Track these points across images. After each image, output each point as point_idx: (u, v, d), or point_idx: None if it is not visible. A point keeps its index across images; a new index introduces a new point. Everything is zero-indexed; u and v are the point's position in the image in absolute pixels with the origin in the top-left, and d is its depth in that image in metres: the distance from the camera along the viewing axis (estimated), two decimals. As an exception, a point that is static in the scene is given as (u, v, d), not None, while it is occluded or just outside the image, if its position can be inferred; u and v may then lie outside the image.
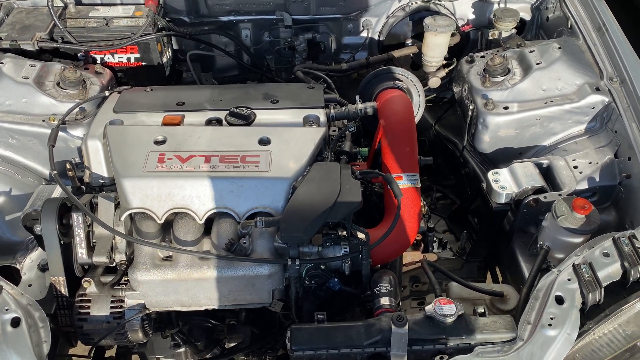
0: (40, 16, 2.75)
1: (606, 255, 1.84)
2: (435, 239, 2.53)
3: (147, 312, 2.00)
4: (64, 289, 1.98)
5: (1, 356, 1.66)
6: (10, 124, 2.35)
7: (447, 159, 2.90)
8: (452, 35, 2.77)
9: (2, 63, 2.45)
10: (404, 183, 2.10)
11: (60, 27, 2.63)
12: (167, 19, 2.89)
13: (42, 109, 2.38)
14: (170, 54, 2.91)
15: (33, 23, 2.71)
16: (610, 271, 1.81)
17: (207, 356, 2.31)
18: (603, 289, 1.77)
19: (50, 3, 2.63)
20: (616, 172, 2.28)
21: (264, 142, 2.07)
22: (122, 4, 2.83)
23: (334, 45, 3.12)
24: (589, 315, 1.78)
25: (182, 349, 2.34)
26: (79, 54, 2.66)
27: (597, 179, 2.29)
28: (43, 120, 2.35)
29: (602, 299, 1.77)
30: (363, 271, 1.95)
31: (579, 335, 1.71)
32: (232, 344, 2.37)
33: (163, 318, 2.15)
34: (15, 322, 1.71)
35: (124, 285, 1.99)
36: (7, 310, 1.73)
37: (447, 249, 2.62)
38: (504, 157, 2.52)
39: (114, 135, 2.11)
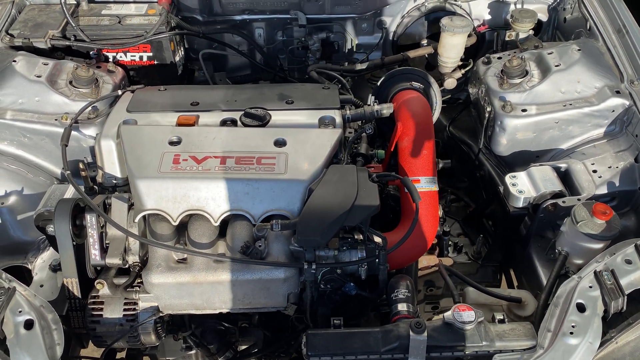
0: (52, 14, 2.73)
1: (628, 262, 1.81)
2: (450, 242, 2.50)
3: (161, 314, 1.97)
4: (76, 291, 1.96)
5: (15, 359, 1.64)
6: (22, 122, 2.33)
7: (461, 161, 2.86)
8: (469, 36, 2.74)
9: (15, 61, 2.44)
10: (422, 186, 2.07)
11: (73, 25, 2.61)
12: (179, 17, 2.87)
13: (54, 107, 2.37)
14: (183, 53, 2.89)
15: (45, 21, 2.69)
16: (632, 279, 1.78)
17: (219, 359, 2.28)
18: (626, 297, 1.73)
19: (62, 1, 2.61)
20: (637, 177, 2.25)
21: (280, 143, 2.05)
22: (134, 2, 2.81)
23: (348, 45, 3.08)
24: (611, 323, 1.74)
25: (192, 352, 2.33)
26: (91, 52, 2.65)
27: (617, 184, 2.25)
28: (55, 119, 2.33)
29: (624, 307, 1.74)
30: (380, 276, 1.91)
31: (601, 344, 1.68)
32: (244, 347, 2.35)
33: (176, 320, 2.13)
34: (29, 325, 1.70)
35: (137, 288, 1.97)
36: (20, 312, 1.72)
37: (462, 253, 2.60)
38: (521, 160, 2.48)
39: (128, 135, 2.09)
